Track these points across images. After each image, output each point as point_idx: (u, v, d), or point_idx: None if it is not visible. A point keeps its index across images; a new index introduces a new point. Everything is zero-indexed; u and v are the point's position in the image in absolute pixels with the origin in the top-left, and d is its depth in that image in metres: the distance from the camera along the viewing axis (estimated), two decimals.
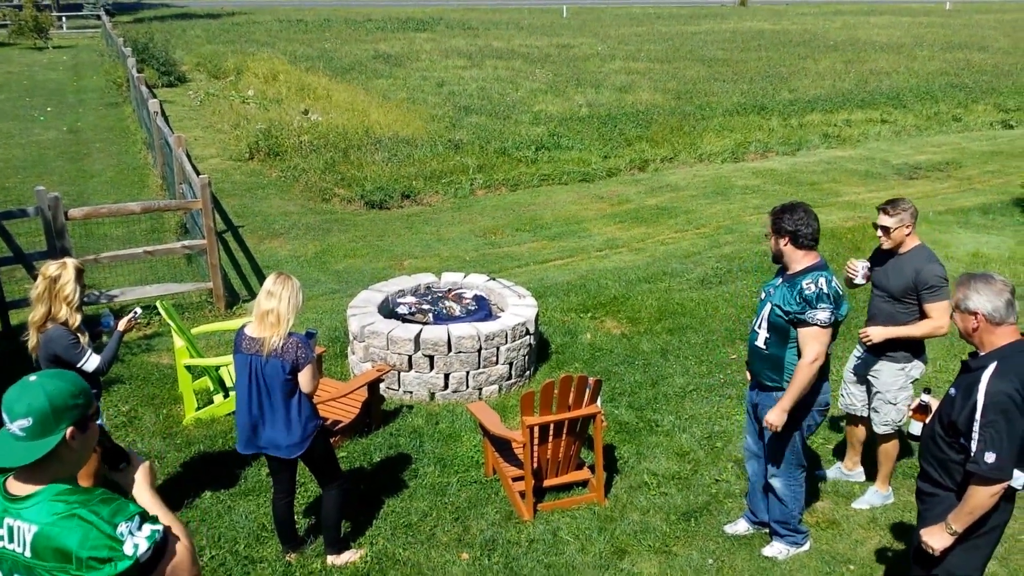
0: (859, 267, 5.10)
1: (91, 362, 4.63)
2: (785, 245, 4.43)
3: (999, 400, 3.34)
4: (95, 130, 17.69)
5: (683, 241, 10.75)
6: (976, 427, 3.38)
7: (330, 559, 4.89)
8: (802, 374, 4.33)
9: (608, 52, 30.91)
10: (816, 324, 4.26)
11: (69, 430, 2.35)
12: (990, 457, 3.34)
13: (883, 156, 15.47)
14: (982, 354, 3.52)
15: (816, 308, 4.23)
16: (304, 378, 4.47)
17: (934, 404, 3.91)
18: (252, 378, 4.46)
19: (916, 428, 3.95)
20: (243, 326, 4.58)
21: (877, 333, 5.00)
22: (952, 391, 3.58)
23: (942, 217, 11.45)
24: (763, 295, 4.58)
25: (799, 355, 4.36)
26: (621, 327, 8.11)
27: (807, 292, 4.25)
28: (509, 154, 14.85)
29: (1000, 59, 28.68)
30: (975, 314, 3.47)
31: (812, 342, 4.29)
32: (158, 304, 6.57)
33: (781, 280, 4.48)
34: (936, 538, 3.59)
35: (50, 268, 4.55)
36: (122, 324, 4.97)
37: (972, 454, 3.40)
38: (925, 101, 20.53)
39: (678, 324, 8.13)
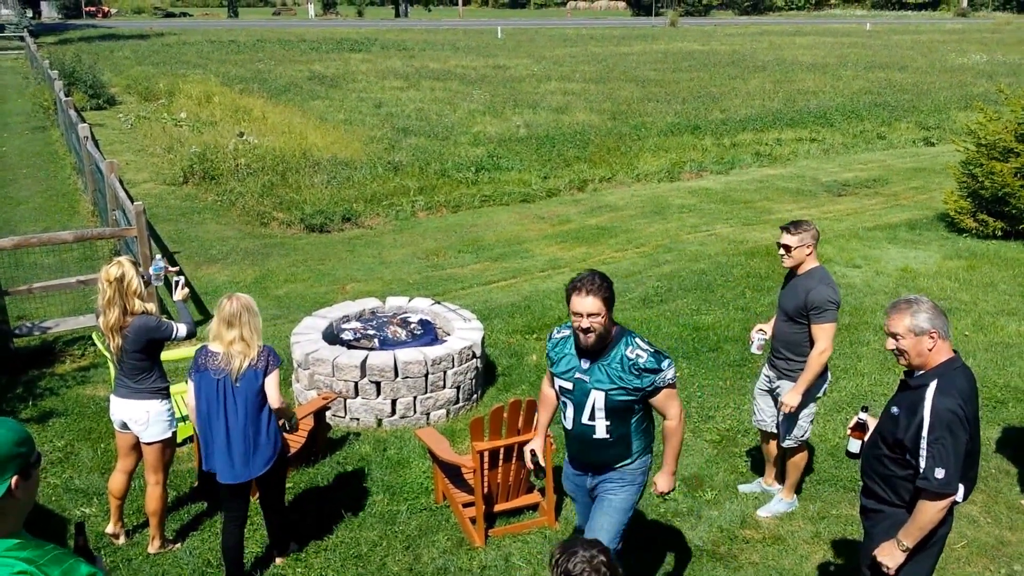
0: (755, 338, 5.26)
1: (181, 330, 4.97)
2: (609, 313, 3.85)
3: (944, 417, 3.44)
4: (21, 155, 17.20)
5: (624, 260, 10.89)
6: (923, 444, 3.47)
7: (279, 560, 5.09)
8: (675, 438, 4.06)
9: (543, 73, 31.26)
10: (669, 384, 3.93)
11: (14, 479, 2.27)
12: (940, 473, 3.43)
13: (813, 174, 15.92)
14: (920, 372, 3.62)
15: (663, 369, 3.86)
16: (271, 383, 4.54)
17: (871, 422, 4.00)
18: (221, 397, 4.50)
19: (854, 446, 4.01)
20: (205, 346, 4.60)
21: (792, 399, 5.11)
22: (895, 410, 3.66)
23: (871, 233, 11.82)
24: (568, 385, 3.99)
25: (654, 415, 4.10)
26: None
27: (640, 362, 3.84)
28: (449, 175, 14.88)
29: (919, 78, 29.82)
30: (931, 333, 3.54)
31: (672, 401, 3.99)
32: (94, 335, 6.41)
33: (590, 363, 3.92)
34: (889, 556, 3.65)
35: (110, 271, 4.73)
36: (178, 295, 5.26)
37: (921, 471, 3.49)
38: (851, 119, 21.21)
39: None
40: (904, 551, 3.61)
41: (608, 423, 3.93)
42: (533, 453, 4.37)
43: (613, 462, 4.07)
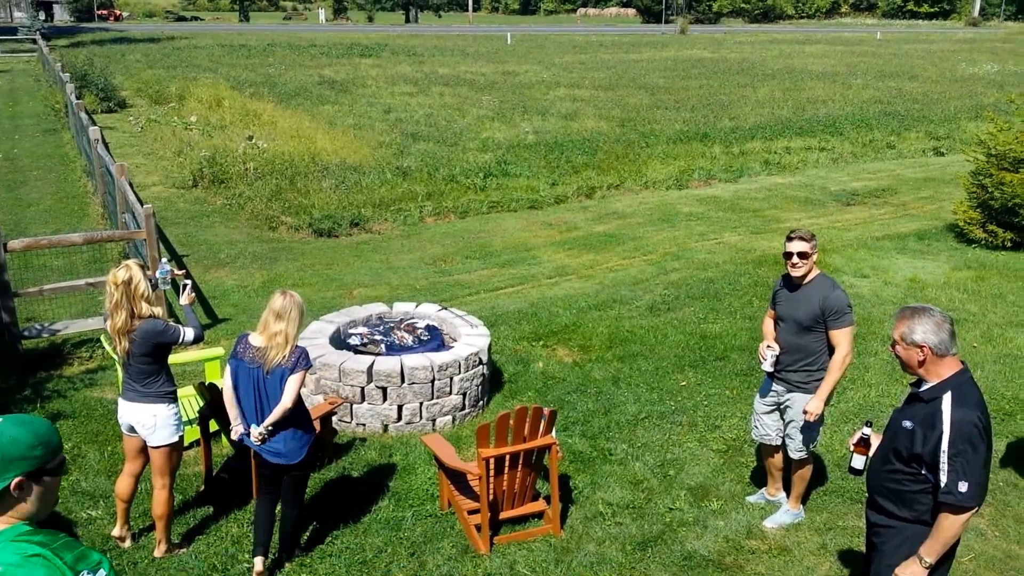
0: (768, 355, 5.21)
1: (188, 334, 5.00)
2: None
3: (965, 429, 3.41)
4: (32, 157, 17.29)
5: (631, 268, 10.88)
6: (944, 458, 3.43)
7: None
8: None
9: (552, 79, 31.29)
10: None
11: (15, 479, 2.28)
12: (963, 486, 3.40)
13: (822, 183, 15.89)
14: (930, 384, 3.58)
15: None
16: (293, 380, 4.67)
17: (875, 438, 3.95)
18: (255, 388, 4.70)
19: (858, 462, 3.93)
20: (246, 335, 4.78)
21: (815, 407, 5.08)
22: (908, 424, 3.60)
23: (880, 243, 11.79)
24: None
25: None
26: (573, 355, 8.16)
27: None
28: (458, 181, 14.90)
29: (929, 87, 29.75)
30: (922, 347, 3.54)
31: None
32: (102, 338, 6.43)
33: None
34: (911, 575, 3.58)
35: (119, 275, 4.73)
36: (185, 299, 5.28)
37: (943, 484, 3.44)
38: (860, 129, 21.17)
39: (629, 351, 8.21)
40: (927, 568, 3.55)
41: None
42: None
43: None
